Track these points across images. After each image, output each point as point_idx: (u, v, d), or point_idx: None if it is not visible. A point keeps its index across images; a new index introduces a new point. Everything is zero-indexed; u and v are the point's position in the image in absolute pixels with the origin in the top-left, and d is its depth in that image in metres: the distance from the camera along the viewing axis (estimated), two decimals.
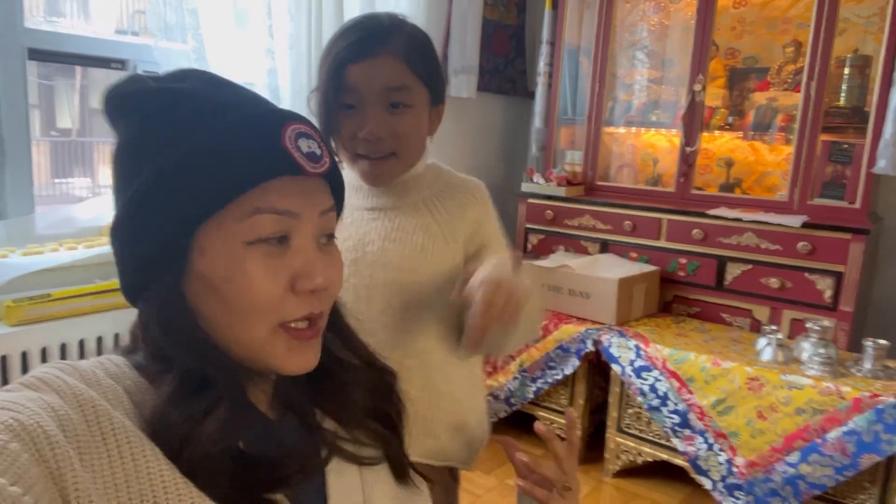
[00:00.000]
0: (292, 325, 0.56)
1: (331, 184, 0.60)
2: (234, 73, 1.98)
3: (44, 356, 1.68)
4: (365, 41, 0.92)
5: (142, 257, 0.54)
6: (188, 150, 0.52)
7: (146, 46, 1.96)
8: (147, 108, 0.54)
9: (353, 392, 0.66)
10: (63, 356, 1.72)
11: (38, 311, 1.68)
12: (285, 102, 2.10)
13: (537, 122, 3.01)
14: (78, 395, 0.48)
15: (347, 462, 0.64)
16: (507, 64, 3.24)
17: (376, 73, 0.92)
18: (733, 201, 2.57)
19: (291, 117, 0.56)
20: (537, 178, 2.88)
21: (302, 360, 0.58)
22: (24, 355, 1.64)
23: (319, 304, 0.58)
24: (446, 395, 1.06)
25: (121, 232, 0.55)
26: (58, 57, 1.87)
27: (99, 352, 1.80)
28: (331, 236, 0.60)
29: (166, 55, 1.88)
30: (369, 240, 1.01)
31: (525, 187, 2.90)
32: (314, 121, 0.99)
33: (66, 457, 0.44)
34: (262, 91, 2.06)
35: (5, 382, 1.62)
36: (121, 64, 2.09)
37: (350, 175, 1.01)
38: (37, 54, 1.83)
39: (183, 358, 0.53)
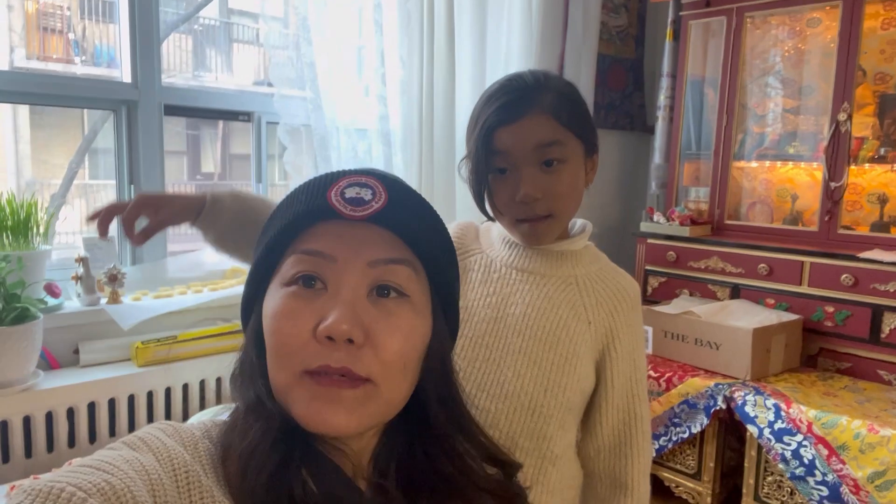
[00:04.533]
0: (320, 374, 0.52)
1: (404, 237, 0.56)
2: (347, 120, 2.03)
3: (168, 396, 1.76)
4: (511, 104, 0.91)
5: (242, 300, 0.61)
6: (274, 208, 0.60)
7: (268, 98, 2.05)
8: None
9: None
10: (185, 396, 1.79)
11: (164, 352, 1.76)
12: (396, 147, 2.12)
13: (657, 157, 2.85)
14: (173, 459, 0.49)
15: None
16: (625, 98, 3.12)
17: (526, 133, 0.90)
18: (889, 242, 2.27)
19: (354, 172, 0.56)
20: (658, 216, 2.71)
21: (325, 415, 0.50)
22: (149, 395, 1.72)
23: (345, 358, 0.50)
24: (556, 491, 0.98)
25: None
26: (189, 112, 2.00)
27: (219, 392, 1.87)
28: (392, 291, 0.54)
29: (286, 105, 1.95)
30: (513, 301, 0.97)
31: (644, 227, 2.74)
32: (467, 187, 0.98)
33: None
34: (374, 137, 2.10)
35: (132, 420, 1.70)
36: (247, 116, 2.21)
37: (505, 233, 1.00)
38: (172, 110, 1.97)
39: (239, 395, 0.55)
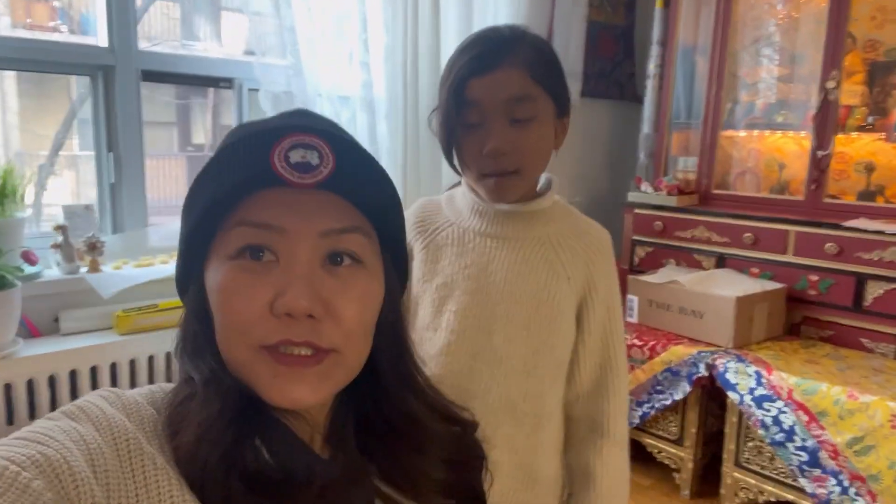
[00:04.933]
0: (281, 349, 0.50)
1: (355, 202, 0.54)
2: (329, 87, 2.00)
3: (150, 364, 1.76)
4: (485, 55, 0.90)
5: (177, 267, 0.57)
6: (202, 168, 0.53)
7: (248, 64, 2.01)
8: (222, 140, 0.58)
9: (428, 464, 0.59)
10: (168, 365, 1.79)
11: (145, 320, 1.76)
12: (380, 115, 2.09)
13: (646, 127, 2.83)
14: (113, 428, 0.47)
15: None
16: (615, 67, 3.08)
17: (498, 86, 0.89)
18: (875, 211, 2.27)
19: (296, 129, 0.50)
20: (645, 186, 2.70)
21: (288, 391, 0.50)
22: (132, 363, 1.72)
23: (307, 332, 0.49)
24: (552, 444, 1.02)
25: None
26: (169, 78, 1.96)
27: None
28: (346, 258, 0.53)
29: (267, 71, 1.92)
30: (492, 269, 0.97)
31: (632, 196, 2.73)
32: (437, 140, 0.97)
33: (90, 495, 0.42)
34: (358, 104, 2.07)
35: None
36: (229, 83, 2.17)
37: (472, 199, 1.00)
38: (151, 76, 1.93)
39: (190, 367, 0.53)
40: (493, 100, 0.89)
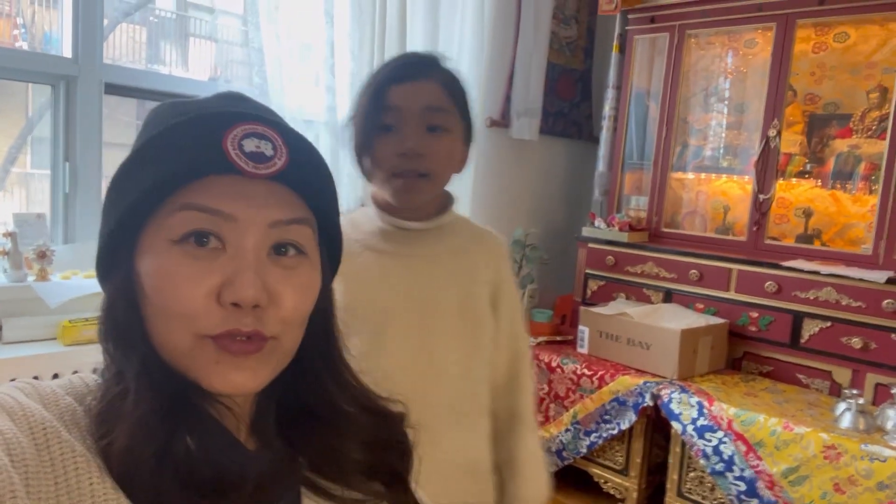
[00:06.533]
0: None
1: (304, 194, 0.55)
2: (294, 109, 2.03)
3: None
4: (408, 66, 0.98)
5: (100, 250, 0.54)
6: (137, 147, 0.52)
7: (213, 84, 2.04)
8: (147, 119, 0.57)
9: (348, 446, 0.60)
10: None
11: (91, 331, 1.72)
12: (344, 139, 2.13)
13: (601, 165, 2.94)
14: (30, 418, 0.46)
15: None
16: (573, 108, 3.20)
17: (417, 93, 0.95)
18: (812, 253, 2.39)
19: (247, 118, 0.51)
20: (599, 222, 2.79)
21: (230, 377, 0.50)
22: (75, 374, 1.68)
23: (254, 322, 0.50)
24: (487, 436, 1.09)
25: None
26: (131, 92, 1.97)
27: None
28: (291, 248, 0.53)
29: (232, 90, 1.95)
30: (419, 287, 1.02)
31: (586, 232, 2.82)
32: (349, 148, 1.00)
33: (9, 484, 0.42)
34: (321, 128, 2.11)
35: None
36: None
37: (380, 223, 1.02)
38: (113, 90, 1.94)
39: (119, 358, 0.51)
40: (411, 105, 0.94)
